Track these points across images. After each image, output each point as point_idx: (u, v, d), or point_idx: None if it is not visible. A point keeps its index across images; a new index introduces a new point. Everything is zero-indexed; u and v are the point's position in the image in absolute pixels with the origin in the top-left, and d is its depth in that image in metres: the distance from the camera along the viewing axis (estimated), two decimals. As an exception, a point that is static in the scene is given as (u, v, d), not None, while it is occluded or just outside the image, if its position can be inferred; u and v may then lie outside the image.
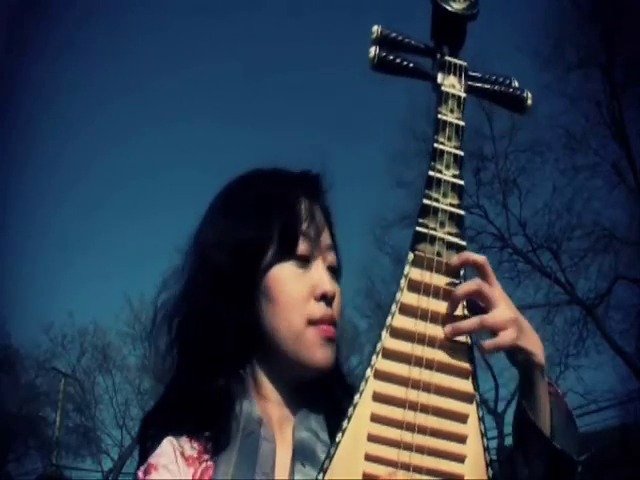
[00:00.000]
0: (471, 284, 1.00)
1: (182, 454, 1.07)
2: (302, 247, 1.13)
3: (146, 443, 1.11)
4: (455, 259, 1.02)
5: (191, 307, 1.16)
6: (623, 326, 12.44)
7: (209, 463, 1.05)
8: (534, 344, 1.02)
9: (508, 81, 1.15)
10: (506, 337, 0.98)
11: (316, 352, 1.11)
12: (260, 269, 1.12)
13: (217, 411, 1.08)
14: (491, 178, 12.95)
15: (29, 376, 19.99)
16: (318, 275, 1.14)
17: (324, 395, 1.13)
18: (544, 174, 13.61)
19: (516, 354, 1.02)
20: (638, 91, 12.21)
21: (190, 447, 1.07)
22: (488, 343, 0.98)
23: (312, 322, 1.11)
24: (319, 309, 1.12)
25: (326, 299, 1.12)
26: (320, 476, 0.92)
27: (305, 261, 1.14)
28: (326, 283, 1.13)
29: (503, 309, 0.99)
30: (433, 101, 1.10)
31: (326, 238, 1.17)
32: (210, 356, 1.12)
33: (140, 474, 1.07)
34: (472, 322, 0.99)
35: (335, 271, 1.18)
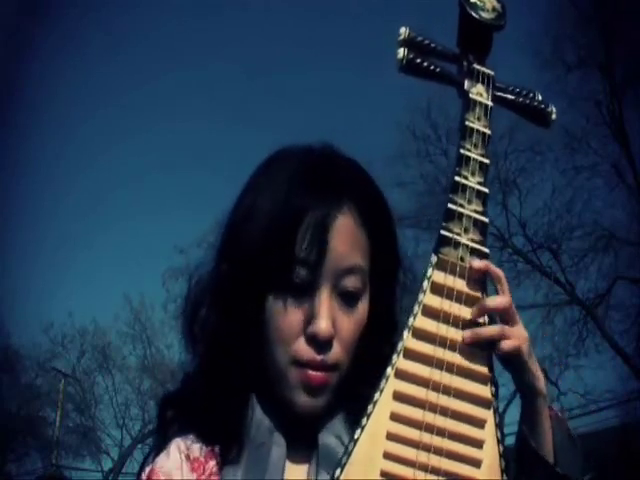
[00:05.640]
0: (503, 300, 1.00)
1: (188, 457, 1.03)
2: (299, 275, 0.99)
3: (164, 424, 1.07)
4: (478, 263, 1.00)
5: (210, 303, 1.07)
6: (623, 326, 12.48)
7: (214, 469, 1.01)
8: (538, 370, 1.02)
9: (532, 94, 1.15)
10: (519, 347, 0.98)
11: (298, 396, 1.01)
12: (258, 295, 1.01)
13: (232, 420, 1.03)
14: (491, 178, 12.76)
15: (29, 376, 20.02)
16: (315, 311, 1.00)
17: (349, 396, 1.04)
18: (544, 174, 13.64)
19: (522, 376, 1.01)
20: (638, 91, 12.22)
21: (198, 448, 1.03)
22: (506, 344, 0.98)
23: (297, 363, 1.00)
24: (306, 351, 1.00)
25: (318, 341, 1.00)
26: (338, 471, 0.91)
27: (304, 290, 1.00)
28: (320, 322, 0.99)
29: (522, 327, 1.01)
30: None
31: (344, 258, 1.01)
32: (227, 364, 1.04)
33: (143, 477, 1.03)
34: (493, 330, 0.98)
35: (354, 296, 1.03)
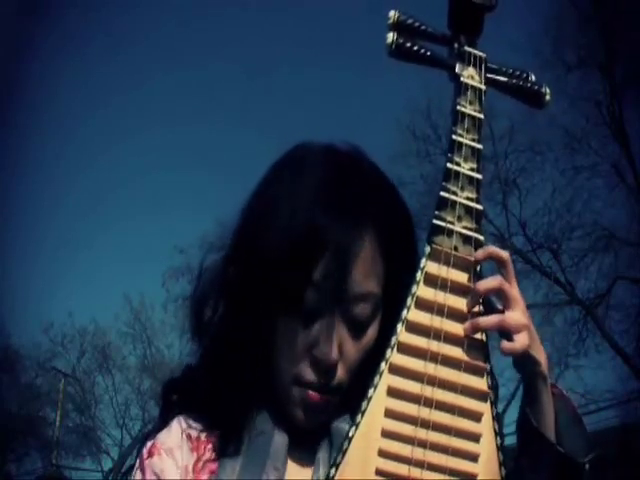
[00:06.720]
0: (493, 280, 0.97)
1: (189, 437, 1.03)
2: (313, 299, 0.99)
3: (167, 406, 1.08)
4: (480, 253, 0.98)
5: (220, 303, 1.06)
6: (623, 326, 12.47)
7: (213, 455, 1.01)
8: (540, 353, 1.00)
9: (525, 75, 1.13)
10: (521, 341, 0.96)
11: (298, 412, 1.02)
12: (268, 310, 1.01)
13: (232, 416, 1.03)
14: (491, 178, 12.92)
15: (29, 376, 20.02)
16: (322, 336, 1.00)
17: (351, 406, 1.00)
18: (544, 174, 13.64)
19: (524, 361, 0.99)
20: (638, 91, 12.21)
21: (200, 428, 1.04)
22: (507, 345, 0.96)
23: (299, 383, 1.01)
24: (309, 374, 1.00)
25: (323, 366, 1.00)
26: (332, 471, 0.90)
27: (313, 316, 1.00)
28: (326, 348, 0.99)
29: (520, 312, 0.97)
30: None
31: (359, 286, 1.00)
32: (231, 363, 1.04)
33: (145, 452, 1.03)
34: (491, 320, 0.96)
35: (363, 323, 1.02)
